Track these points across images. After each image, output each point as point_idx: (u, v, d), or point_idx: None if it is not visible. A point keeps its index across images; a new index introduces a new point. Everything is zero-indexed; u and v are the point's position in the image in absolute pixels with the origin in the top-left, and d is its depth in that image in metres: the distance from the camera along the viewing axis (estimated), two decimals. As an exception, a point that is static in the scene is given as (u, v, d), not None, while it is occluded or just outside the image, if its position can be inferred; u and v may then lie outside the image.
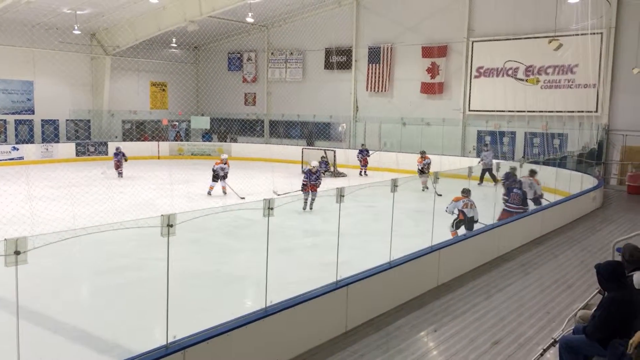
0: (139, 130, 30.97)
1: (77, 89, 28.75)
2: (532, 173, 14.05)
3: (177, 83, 32.40)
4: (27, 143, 26.01)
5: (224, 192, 17.30)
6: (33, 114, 27.19)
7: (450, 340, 6.51)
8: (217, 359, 5.17)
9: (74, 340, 6.60)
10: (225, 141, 31.38)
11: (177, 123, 32.01)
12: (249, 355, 5.48)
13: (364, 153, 23.85)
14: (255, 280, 8.32)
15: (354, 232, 11.21)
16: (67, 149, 26.79)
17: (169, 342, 4.81)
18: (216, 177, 17.42)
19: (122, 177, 20.74)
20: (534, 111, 22.48)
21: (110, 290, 8.52)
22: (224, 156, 17.89)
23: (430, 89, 25.75)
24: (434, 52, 25.38)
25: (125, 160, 21.27)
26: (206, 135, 32.37)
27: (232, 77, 32.57)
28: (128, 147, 28.20)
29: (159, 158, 28.48)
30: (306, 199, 14.72)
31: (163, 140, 30.10)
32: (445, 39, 25.12)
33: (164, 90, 32.82)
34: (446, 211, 10.90)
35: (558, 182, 16.13)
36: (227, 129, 32.29)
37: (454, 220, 10.92)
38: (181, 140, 31.25)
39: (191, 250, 9.98)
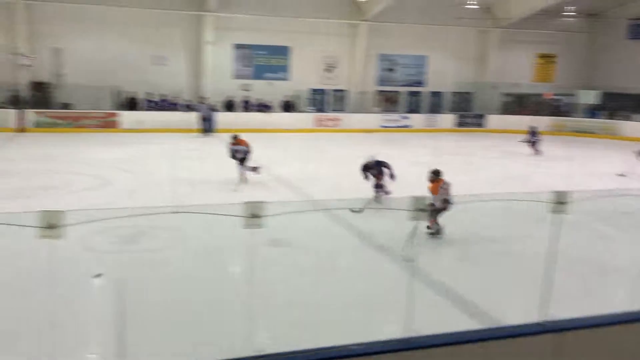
0: (519, 104, 30.43)
1: (462, 62, 29.94)
2: None
3: (567, 54, 30.47)
4: (415, 113, 28.65)
5: None
6: (423, 86, 29.67)
7: None
8: (594, 349, 4.79)
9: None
10: (613, 119, 27.97)
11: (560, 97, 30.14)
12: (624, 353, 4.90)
13: None
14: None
15: None
16: (448, 119, 28.50)
17: (543, 320, 4.69)
18: None
19: (540, 154, 19.21)
20: None
21: (484, 259, 8.66)
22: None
23: None
24: None
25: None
26: (592, 111, 29.44)
27: (631, 46, 28.73)
28: (507, 120, 28.20)
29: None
30: None
31: (544, 115, 28.77)
32: None
33: (551, 62, 31.31)
34: None
35: None
36: (619, 105, 28.61)
37: None
38: (563, 116, 29.35)
39: (569, 233, 9.31)
